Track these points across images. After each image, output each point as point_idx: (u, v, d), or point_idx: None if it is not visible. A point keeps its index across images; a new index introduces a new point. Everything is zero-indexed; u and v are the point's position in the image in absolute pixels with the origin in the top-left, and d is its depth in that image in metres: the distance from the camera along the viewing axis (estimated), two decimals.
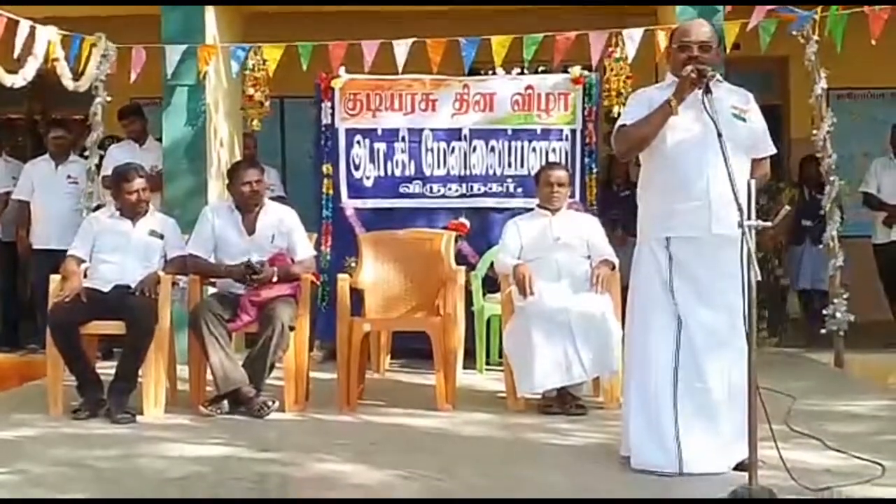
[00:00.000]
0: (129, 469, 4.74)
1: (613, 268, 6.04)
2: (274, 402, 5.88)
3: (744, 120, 4.48)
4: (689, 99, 4.34)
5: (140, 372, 5.89)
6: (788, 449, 4.29)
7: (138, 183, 6.21)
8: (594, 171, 7.85)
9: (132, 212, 6.23)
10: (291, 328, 5.91)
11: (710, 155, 4.21)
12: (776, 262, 8.72)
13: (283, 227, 6.25)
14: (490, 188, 7.89)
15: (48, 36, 7.31)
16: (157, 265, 6.16)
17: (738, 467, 4.25)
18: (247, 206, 6.22)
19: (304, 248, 6.30)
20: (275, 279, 6.02)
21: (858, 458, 4.53)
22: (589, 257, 6.13)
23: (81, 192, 8.13)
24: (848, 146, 7.68)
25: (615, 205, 8.66)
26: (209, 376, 5.98)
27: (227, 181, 6.51)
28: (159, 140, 8.32)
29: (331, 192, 7.93)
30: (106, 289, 6.04)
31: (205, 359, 5.90)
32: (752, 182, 4.05)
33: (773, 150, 4.69)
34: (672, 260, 4.43)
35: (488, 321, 7.32)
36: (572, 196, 7.02)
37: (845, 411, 5.86)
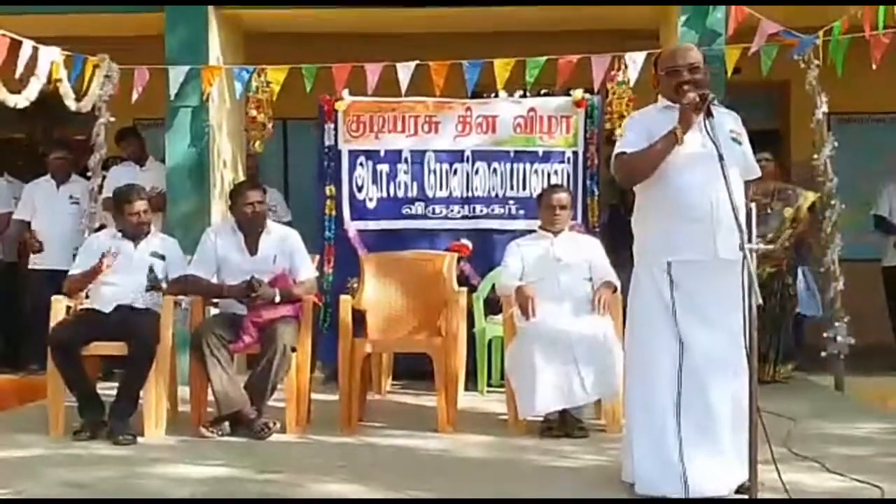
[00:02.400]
0: (130, 490, 4.73)
1: (615, 290, 6.03)
2: (275, 424, 5.88)
3: (739, 143, 4.49)
4: None
5: (141, 393, 5.90)
6: (788, 471, 4.30)
7: (139, 205, 6.23)
8: (596, 193, 7.85)
9: (134, 233, 6.25)
10: (293, 349, 5.91)
11: (712, 178, 4.14)
12: (789, 279, 8.13)
13: (286, 248, 6.27)
14: (492, 210, 7.89)
15: (51, 56, 7.33)
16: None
17: (740, 490, 4.25)
18: (249, 227, 6.24)
19: (306, 269, 6.31)
20: (277, 300, 6.03)
21: (857, 480, 4.54)
22: (591, 279, 6.14)
23: (83, 212, 8.12)
24: (848, 170, 7.68)
25: (623, 229, 8.58)
26: (210, 397, 5.98)
27: (229, 202, 6.53)
28: (161, 161, 8.35)
29: (333, 213, 7.93)
30: (107, 310, 6.06)
31: (206, 380, 5.91)
32: (753, 205, 4.06)
33: (759, 173, 4.71)
34: (673, 283, 4.38)
35: (490, 343, 7.31)
36: (574, 218, 7.06)
37: (845, 434, 5.85)
